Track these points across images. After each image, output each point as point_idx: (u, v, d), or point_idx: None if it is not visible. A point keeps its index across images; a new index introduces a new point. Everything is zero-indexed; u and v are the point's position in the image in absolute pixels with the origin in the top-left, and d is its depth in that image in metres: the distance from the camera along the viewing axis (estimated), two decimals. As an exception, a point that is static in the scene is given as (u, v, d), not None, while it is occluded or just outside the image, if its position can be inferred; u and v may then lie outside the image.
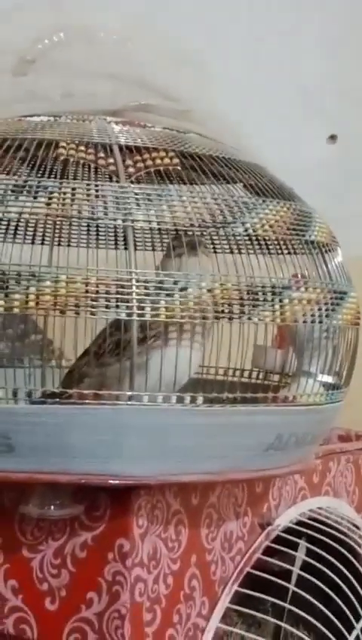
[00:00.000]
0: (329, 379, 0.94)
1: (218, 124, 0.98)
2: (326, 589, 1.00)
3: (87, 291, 0.82)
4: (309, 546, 1.04)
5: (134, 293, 0.82)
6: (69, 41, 0.96)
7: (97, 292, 0.82)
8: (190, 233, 0.88)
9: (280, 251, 0.92)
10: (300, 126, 1.68)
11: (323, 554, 1.03)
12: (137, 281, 0.83)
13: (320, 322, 0.90)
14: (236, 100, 1.05)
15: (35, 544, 0.90)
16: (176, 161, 0.90)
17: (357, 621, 1.03)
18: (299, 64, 1.68)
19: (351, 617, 1.03)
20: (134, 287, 0.82)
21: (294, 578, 1.01)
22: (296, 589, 0.99)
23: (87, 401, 0.83)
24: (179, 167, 0.90)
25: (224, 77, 1.06)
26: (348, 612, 1.02)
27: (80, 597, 0.88)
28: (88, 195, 0.85)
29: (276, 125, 1.61)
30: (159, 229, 0.91)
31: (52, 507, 0.87)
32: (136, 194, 0.86)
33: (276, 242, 0.92)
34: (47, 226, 1.08)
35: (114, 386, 0.85)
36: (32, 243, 1.08)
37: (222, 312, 0.85)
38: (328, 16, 1.71)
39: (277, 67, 1.67)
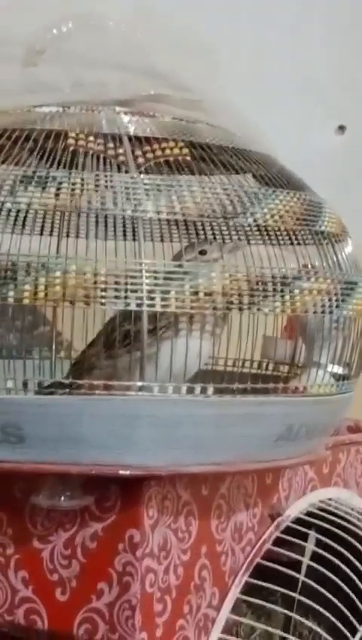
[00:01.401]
0: (339, 369, 0.94)
1: (229, 114, 0.97)
2: (337, 580, 1.00)
3: (96, 282, 0.82)
4: (319, 536, 1.03)
5: (144, 284, 0.82)
6: (78, 31, 0.96)
7: (107, 283, 0.82)
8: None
9: (290, 242, 0.92)
10: (307, 117, 1.67)
11: (333, 545, 1.03)
12: (147, 271, 0.83)
13: (331, 313, 0.90)
14: (242, 91, 1.04)
15: (45, 535, 0.90)
16: (185, 151, 0.90)
17: (368, 612, 1.03)
18: (306, 55, 1.68)
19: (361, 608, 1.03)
20: (144, 278, 0.82)
21: (304, 569, 1.01)
22: (305, 580, 0.99)
23: (97, 391, 0.83)
24: (188, 158, 0.90)
25: (230, 68, 1.05)
26: (358, 603, 1.02)
27: (90, 587, 0.88)
28: (97, 185, 0.85)
29: (283, 116, 1.60)
30: (168, 220, 0.91)
31: (62, 498, 0.87)
32: (145, 184, 0.85)
33: (286, 233, 0.92)
34: (56, 216, 1.07)
35: (124, 377, 0.85)
36: (41, 234, 1.08)
37: (232, 302, 0.85)
38: (334, 6, 1.70)
39: (284, 58, 1.66)
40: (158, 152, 0.89)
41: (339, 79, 1.70)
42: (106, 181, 0.85)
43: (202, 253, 0.90)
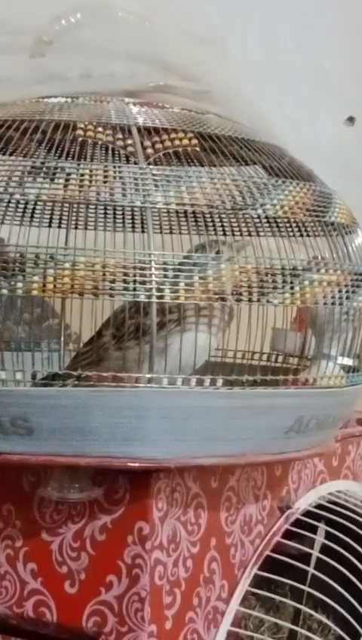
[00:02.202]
0: (349, 361, 0.94)
1: (238, 104, 0.97)
2: (346, 572, 1.00)
3: (105, 274, 0.81)
4: (328, 529, 1.03)
5: (153, 276, 0.82)
6: (87, 22, 0.96)
7: (115, 274, 0.81)
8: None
9: (299, 233, 0.92)
10: (318, 108, 1.67)
11: (343, 537, 1.02)
12: (156, 263, 0.82)
13: (340, 304, 0.89)
14: (253, 80, 1.04)
15: (54, 527, 0.90)
16: (194, 142, 0.90)
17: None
18: (317, 45, 1.67)
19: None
20: (153, 270, 0.82)
21: (313, 561, 1.01)
22: (315, 572, 0.99)
23: (106, 383, 0.82)
24: (197, 149, 0.90)
25: (241, 57, 1.05)
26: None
27: (100, 580, 0.88)
28: (106, 176, 0.84)
29: (293, 107, 1.60)
30: (177, 212, 0.91)
31: (71, 490, 0.87)
32: (154, 176, 0.85)
33: (296, 224, 0.91)
34: (65, 208, 1.07)
35: (133, 369, 0.85)
36: (49, 226, 1.08)
37: (242, 294, 0.84)
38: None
39: (295, 47, 1.65)
40: (167, 143, 0.88)
41: (351, 70, 1.69)
42: (115, 172, 0.85)
43: (218, 253, 0.89)
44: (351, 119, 1.69)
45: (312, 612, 1.03)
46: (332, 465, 1.11)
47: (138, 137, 0.88)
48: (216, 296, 0.83)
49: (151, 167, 0.86)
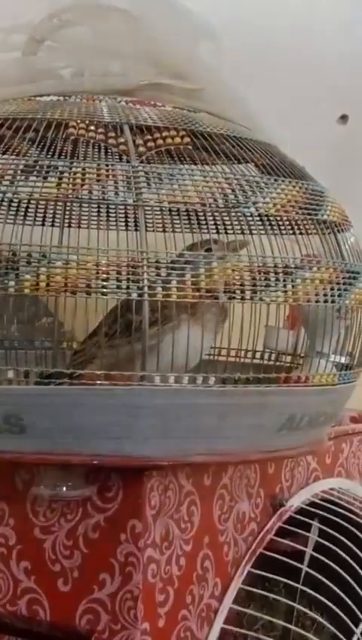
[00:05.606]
0: (341, 359, 0.94)
1: (231, 102, 0.97)
2: (339, 570, 1.00)
3: (97, 272, 0.81)
4: (322, 527, 1.03)
5: (145, 274, 0.82)
6: (79, 20, 0.96)
7: (108, 273, 0.81)
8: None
9: (292, 231, 0.92)
10: (310, 105, 1.66)
11: (336, 535, 1.02)
12: (148, 261, 0.82)
13: (333, 302, 0.89)
14: (246, 78, 1.04)
15: (47, 525, 0.90)
16: (186, 140, 0.90)
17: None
18: (310, 42, 1.67)
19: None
20: (145, 268, 0.82)
21: (307, 559, 1.01)
22: (308, 570, 0.99)
23: (98, 381, 0.82)
24: (190, 147, 0.90)
25: (234, 55, 1.05)
26: (361, 592, 1.02)
27: (92, 578, 0.88)
28: (99, 175, 0.84)
29: (286, 104, 1.59)
30: (170, 209, 0.91)
31: (64, 488, 0.87)
32: (147, 174, 0.85)
33: (288, 222, 0.92)
34: (57, 206, 1.07)
35: (125, 367, 0.85)
36: (43, 224, 1.08)
37: (234, 292, 0.84)
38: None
39: (288, 45, 1.65)
40: (160, 141, 0.88)
41: (344, 67, 1.69)
42: (107, 170, 0.85)
43: (207, 251, 0.89)
44: (343, 117, 1.69)
45: (306, 610, 1.03)
46: (326, 463, 1.11)
47: (130, 135, 0.88)
48: (209, 295, 0.83)
49: (143, 165, 0.86)
